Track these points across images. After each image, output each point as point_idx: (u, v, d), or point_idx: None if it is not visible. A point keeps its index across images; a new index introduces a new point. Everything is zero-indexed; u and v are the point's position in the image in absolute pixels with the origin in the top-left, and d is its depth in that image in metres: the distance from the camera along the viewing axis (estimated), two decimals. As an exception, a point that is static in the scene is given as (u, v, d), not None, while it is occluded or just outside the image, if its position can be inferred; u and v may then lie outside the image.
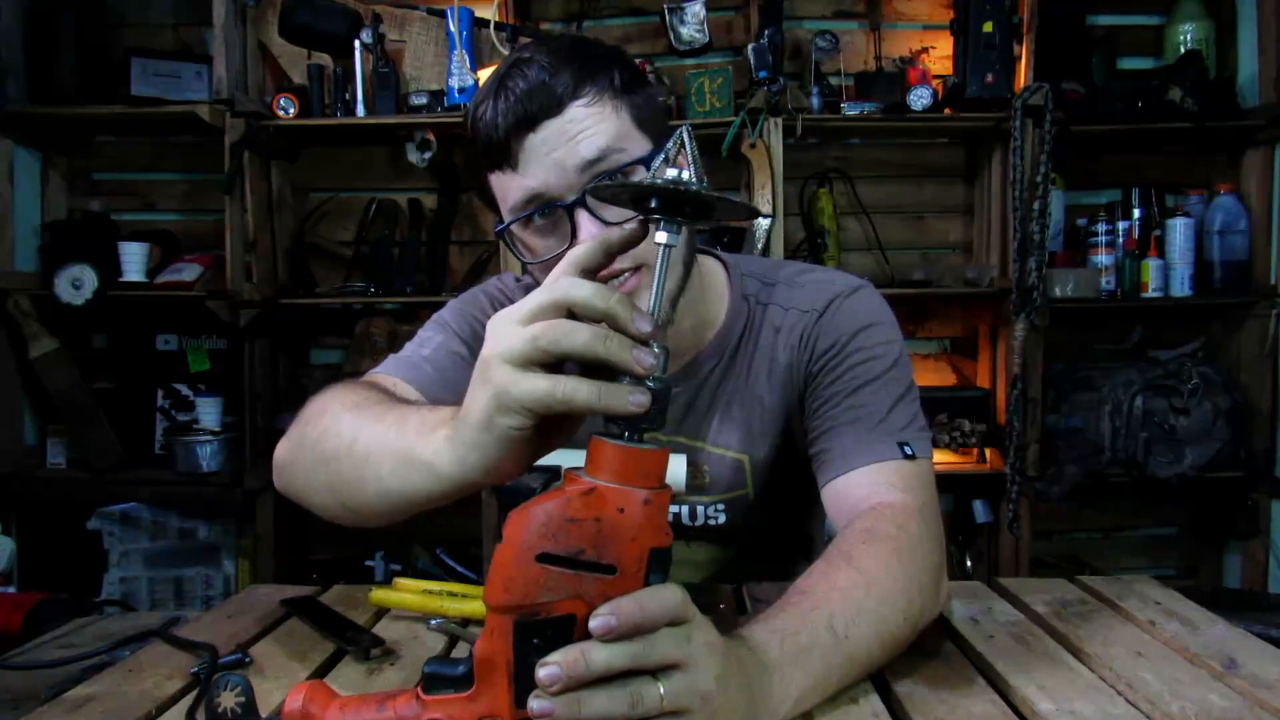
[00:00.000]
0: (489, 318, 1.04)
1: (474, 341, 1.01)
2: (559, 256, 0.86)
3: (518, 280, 1.11)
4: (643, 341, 0.54)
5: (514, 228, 0.90)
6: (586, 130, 0.85)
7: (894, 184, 2.73)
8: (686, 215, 0.57)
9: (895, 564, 0.77)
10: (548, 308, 0.56)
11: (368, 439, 0.71)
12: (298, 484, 0.83)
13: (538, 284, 1.00)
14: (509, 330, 0.56)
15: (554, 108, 0.84)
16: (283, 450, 0.86)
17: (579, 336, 0.54)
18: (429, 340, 1.02)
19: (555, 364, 0.55)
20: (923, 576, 0.79)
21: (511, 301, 1.05)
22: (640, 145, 0.88)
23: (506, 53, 2.37)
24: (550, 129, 0.85)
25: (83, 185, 2.72)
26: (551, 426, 0.58)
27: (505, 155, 0.86)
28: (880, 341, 0.98)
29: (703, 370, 1.04)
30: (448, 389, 0.95)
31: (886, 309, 1.02)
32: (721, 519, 1.07)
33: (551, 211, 0.87)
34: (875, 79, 2.49)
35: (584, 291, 0.55)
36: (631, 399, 0.53)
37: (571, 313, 0.55)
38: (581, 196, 0.85)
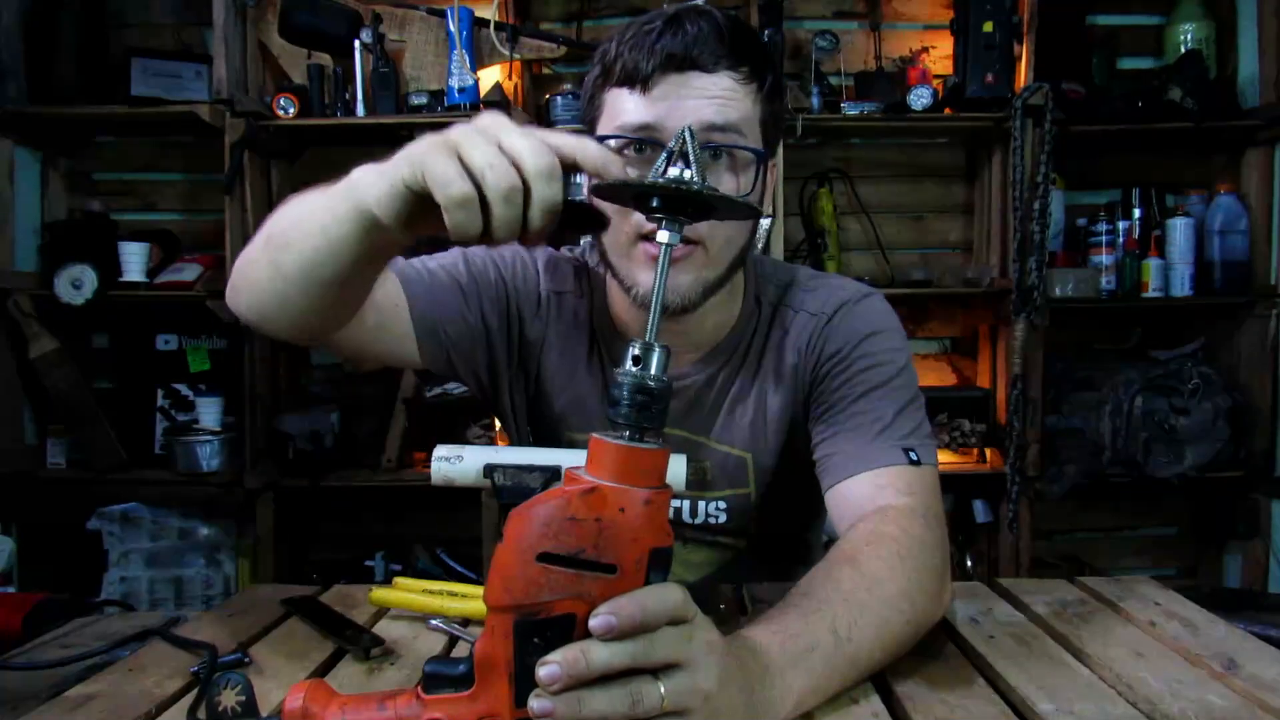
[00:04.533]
0: (509, 270, 1.05)
1: (482, 280, 1.03)
2: None
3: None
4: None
5: (610, 143, 0.90)
6: (724, 98, 0.87)
7: (894, 184, 2.73)
8: (688, 215, 0.57)
9: (898, 567, 0.77)
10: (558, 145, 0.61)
11: (310, 199, 0.75)
12: (246, 279, 0.84)
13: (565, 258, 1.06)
14: (527, 135, 0.60)
15: (711, 64, 0.87)
16: (238, 260, 0.87)
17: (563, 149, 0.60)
18: (443, 258, 1.04)
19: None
20: (926, 580, 0.79)
21: (533, 268, 1.06)
22: (756, 143, 0.91)
23: (507, 53, 2.38)
24: (697, 80, 0.87)
25: (83, 185, 2.72)
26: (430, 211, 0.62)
27: (644, 79, 0.87)
28: (887, 348, 0.99)
29: (713, 365, 1.04)
30: (434, 302, 0.98)
31: (894, 317, 1.04)
32: (723, 518, 1.07)
33: (655, 151, 0.88)
34: (875, 79, 2.49)
35: (592, 149, 0.61)
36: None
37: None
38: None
